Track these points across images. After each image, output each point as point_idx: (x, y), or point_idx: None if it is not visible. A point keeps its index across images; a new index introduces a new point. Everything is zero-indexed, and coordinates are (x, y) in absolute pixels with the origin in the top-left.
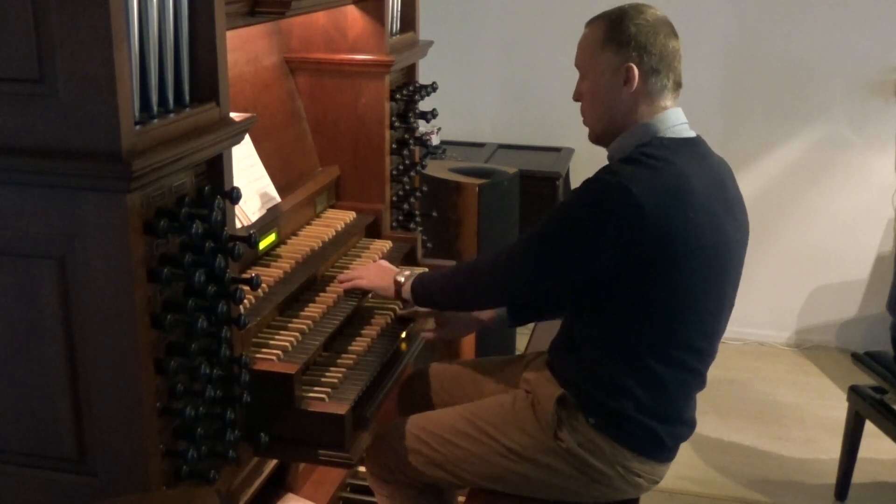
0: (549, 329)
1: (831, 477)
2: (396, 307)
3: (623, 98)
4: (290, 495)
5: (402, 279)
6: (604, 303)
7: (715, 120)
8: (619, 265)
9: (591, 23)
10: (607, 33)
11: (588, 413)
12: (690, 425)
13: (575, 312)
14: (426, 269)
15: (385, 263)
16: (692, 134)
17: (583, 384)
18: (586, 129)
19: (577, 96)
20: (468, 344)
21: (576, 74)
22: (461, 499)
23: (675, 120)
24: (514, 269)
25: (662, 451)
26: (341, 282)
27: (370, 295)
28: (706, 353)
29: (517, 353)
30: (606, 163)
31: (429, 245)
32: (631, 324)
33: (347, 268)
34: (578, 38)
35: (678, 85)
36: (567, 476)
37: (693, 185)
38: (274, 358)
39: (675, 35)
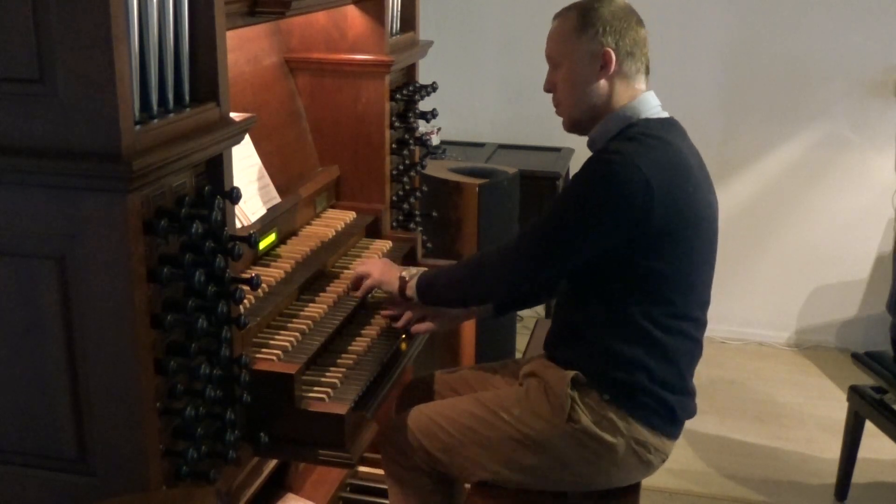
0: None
1: (831, 477)
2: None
3: (600, 83)
4: (290, 495)
5: (408, 276)
6: (607, 282)
7: (715, 120)
8: (628, 241)
9: (562, 14)
10: (581, 21)
11: (602, 389)
12: (694, 397)
13: (575, 299)
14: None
15: (389, 261)
16: (667, 114)
17: (593, 364)
18: None
19: (550, 87)
20: (468, 346)
21: None
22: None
23: (654, 102)
24: (522, 257)
25: (673, 424)
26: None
27: (370, 296)
28: (701, 322)
29: (517, 353)
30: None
31: (429, 245)
32: (634, 299)
33: (348, 268)
34: None
35: (648, 69)
36: (580, 459)
37: (689, 161)
38: (274, 358)
39: (642, 23)
